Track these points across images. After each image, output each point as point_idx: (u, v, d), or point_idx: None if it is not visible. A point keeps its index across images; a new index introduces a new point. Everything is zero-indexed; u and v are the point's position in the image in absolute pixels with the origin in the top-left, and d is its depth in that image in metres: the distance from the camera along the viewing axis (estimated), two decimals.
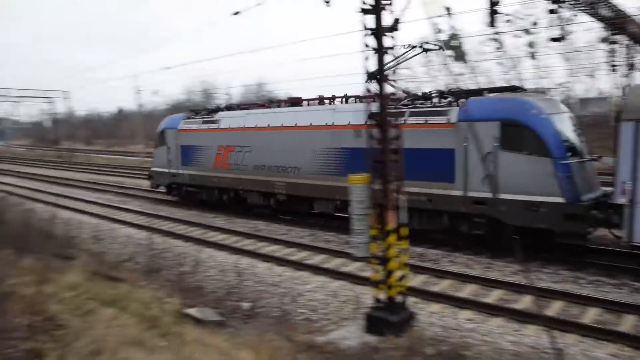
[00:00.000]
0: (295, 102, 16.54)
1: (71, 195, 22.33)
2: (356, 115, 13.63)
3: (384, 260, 7.75)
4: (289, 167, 15.46)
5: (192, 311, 8.10)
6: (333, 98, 15.24)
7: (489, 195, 11.39)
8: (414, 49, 11.15)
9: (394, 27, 7.62)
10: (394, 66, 7.89)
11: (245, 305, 9.00)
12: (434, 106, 12.37)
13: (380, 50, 7.59)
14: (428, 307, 9.13)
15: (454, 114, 11.84)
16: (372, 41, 7.63)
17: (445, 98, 12.34)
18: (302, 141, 15.03)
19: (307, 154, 14.90)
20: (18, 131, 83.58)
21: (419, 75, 29.75)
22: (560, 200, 10.55)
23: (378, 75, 7.62)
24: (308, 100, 15.95)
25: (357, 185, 7.92)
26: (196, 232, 14.41)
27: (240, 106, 18.47)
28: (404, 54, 11.37)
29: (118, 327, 6.72)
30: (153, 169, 20.51)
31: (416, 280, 10.10)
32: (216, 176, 17.89)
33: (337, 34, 48.30)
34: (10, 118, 72.70)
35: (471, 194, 11.58)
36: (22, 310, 6.73)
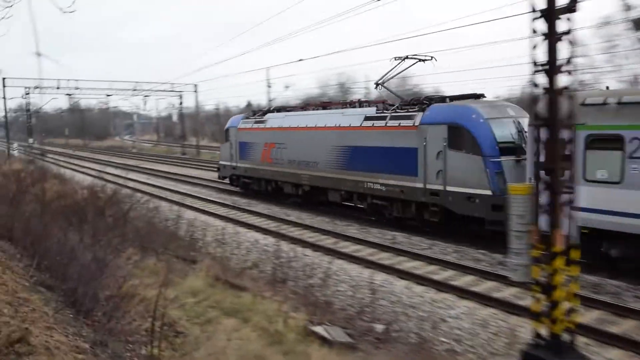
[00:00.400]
0: (325, 105, 20.38)
1: (196, 194, 23.35)
2: (356, 118, 16.96)
3: (548, 288, 7.00)
4: (311, 162, 19.14)
5: (319, 329, 8.03)
6: (352, 103, 19.11)
7: (441, 187, 14.31)
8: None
9: (570, 7, 6.66)
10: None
11: (379, 327, 8.89)
12: (407, 111, 15.54)
13: (552, 36, 6.63)
14: (605, 351, 8.23)
15: (418, 118, 14.91)
16: (542, 25, 6.68)
17: (421, 104, 15.49)
18: (320, 140, 18.50)
19: (323, 151, 18.37)
20: (147, 126, 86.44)
21: (599, 64, 26.01)
22: (488, 192, 13.30)
23: (549, 66, 6.64)
24: (338, 103, 20.01)
25: (517, 196, 7.20)
26: (327, 242, 14.48)
27: (286, 108, 22.61)
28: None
29: (239, 339, 6.74)
30: (220, 162, 25.10)
31: (589, 316, 9.15)
32: (262, 169, 22.10)
33: (495, 19, 45.63)
34: (139, 112, 76.60)
35: (429, 186, 14.59)
36: (143, 313, 6.94)
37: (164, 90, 50.18)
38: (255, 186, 22.81)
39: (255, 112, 23.74)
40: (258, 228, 16.25)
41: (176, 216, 15.11)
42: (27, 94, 47.50)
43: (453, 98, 15.45)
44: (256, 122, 22.72)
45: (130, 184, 20.94)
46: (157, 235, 11.93)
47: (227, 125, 24.95)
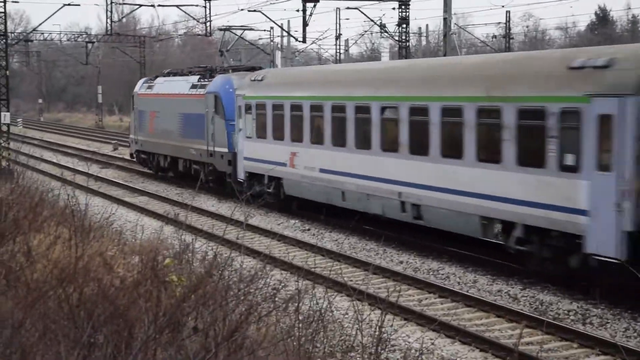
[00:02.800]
0: (190, 70, 34.12)
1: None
2: (185, 85, 32.41)
3: None
4: (169, 131, 33.78)
5: None
6: (205, 68, 34.63)
7: (212, 149, 29.80)
8: None
9: None
10: None
11: None
12: (202, 80, 31.83)
13: None
14: None
15: (205, 88, 30.93)
16: None
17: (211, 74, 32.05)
18: (171, 107, 32.79)
19: (174, 119, 32.71)
20: None
21: None
22: (226, 150, 29.85)
23: None
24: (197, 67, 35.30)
25: None
26: None
27: (174, 72, 35.70)
28: None
29: None
30: (130, 135, 36.66)
31: None
32: (149, 141, 34.79)
33: None
34: None
35: (209, 148, 30.11)
36: None
37: None
38: (150, 162, 36.39)
39: (157, 76, 34.95)
40: None
41: None
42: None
43: (234, 69, 32.03)
44: (148, 87, 35.81)
45: None
46: None
47: (133, 90, 36.59)
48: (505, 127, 17.65)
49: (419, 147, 20.39)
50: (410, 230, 22.33)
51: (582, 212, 15.91)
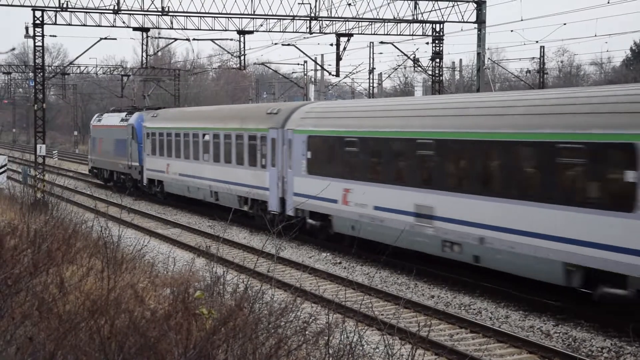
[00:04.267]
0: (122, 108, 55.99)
1: None
2: (117, 119, 51.71)
3: None
4: (108, 152, 51.81)
5: None
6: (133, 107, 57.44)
7: (131, 163, 46.94)
8: None
9: None
10: None
11: None
12: (126, 115, 50.66)
13: None
14: None
15: (127, 121, 49.08)
16: None
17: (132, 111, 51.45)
18: (109, 135, 51.69)
19: (110, 143, 51.24)
20: None
21: None
22: (137, 164, 46.11)
23: None
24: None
25: None
26: None
27: (115, 110, 57.11)
28: None
29: None
30: (88, 156, 54.87)
31: None
32: (98, 159, 54.52)
33: None
34: None
35: (129, 163, 47.36)
36: None
37: None
38: (100, 175, 55.19)
39: (104, 112, 56.16)
40: None
41: None
42: (38, 24, 39.12)
43: (147, 108, 52.35)
44: (98, 120, 56.69)
45: None
46: None
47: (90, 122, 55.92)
48: (244, 144, 32.86)
49: (225, 156, 35.04)
50: (442, 265, 22.20)
51: (266, 189, 30.90)
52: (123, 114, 51.03)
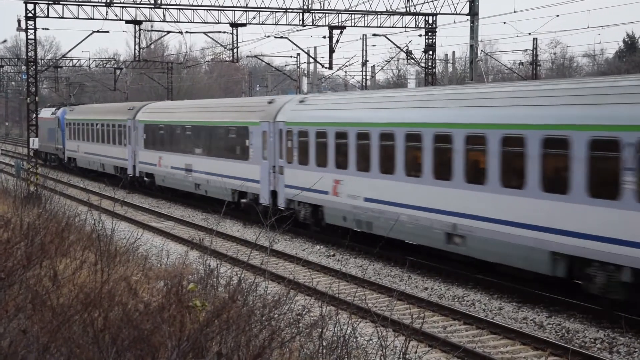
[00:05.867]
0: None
1: None
2: (49, 112, 68.17)
3: None
4: (45, 138, 63.04)
5: None
6: None
7: (57, 146, 63.55)
8: None
9: None
10: None
11: None
12: (55, 110, 67.45)
13: None
14: None
15: (56, 114, 65.18)
16: None
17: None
18: (45, 125, 62.66)
19: (46, 132, 63.40)
20: None
21: None
22: (61, 146, 62.43)
23: None
24: None
25: None
26: None
27: (51, 105, 75.64)
28: None
29: None
30: None
31: None
32: (41, 145, 50.07)
33: None
34: None
35: (57, 145, 64.63)
36: None
37: None
38: (42, 157, 62.41)
39: (44, 107, 71.02)
40: None
41: None
42: (30, 17, 39.35)
43: (71, 104, 68.39)
44: (42, 113, 62.94)
45: None
46: None
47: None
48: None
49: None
50: (435, 257, 22.23)
51: (257, 181, 31.62)
52: (53, 109, 67.17)
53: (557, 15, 48.57)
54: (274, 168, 29.94)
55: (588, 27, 60.89)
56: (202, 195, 36.54)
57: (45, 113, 67.03)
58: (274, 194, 29.94)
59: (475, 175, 19.85)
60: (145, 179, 43.32)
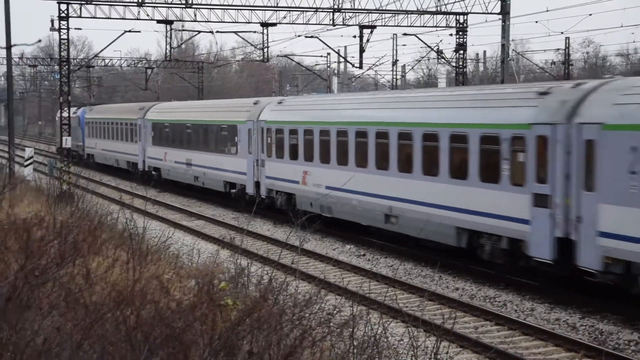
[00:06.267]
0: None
1: None
2: (72, 111, 51.66)
3: None
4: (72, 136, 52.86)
5: None
6: None
7: (78, 143, 65.45)
8: None
9: None
10: None
11: None
12: (76, 109, 67.95)
13: None
14: None
15: (76, 113, 66.47)
16: None
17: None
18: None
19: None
20: None
21: None
22: (81, 143, 67.81)
23: None
24: None
25: None
26: None
27: (73, 106, 58.98)
28: None
29: None
30: None
31: None
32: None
33: None
34: None
35: (77, 143, 64.44)
36: None
37: None
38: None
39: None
40: None
41: None
42: (63, 17, 39.75)
43: (90, 104, 74.39)
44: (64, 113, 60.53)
45: None
46: None
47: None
48: (226, 132, 36.77)
49: (195, 142, 41.08)
50: (466, 257, 22.15)
51: (244, 174, 34.58)
52: (74, 109, 67.66)
53: (590, 14, 48.15)
54: (257, 161, 33.50)
55: (622, 26, 60.31)
56: (201, 186, 40.58)
57: (71, 113, 79.09)
58: (257, 185, 33.50)
59: (405, 165, 23.80)
60: (153, 172, 46.95)
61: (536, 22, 53.75)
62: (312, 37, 50.25)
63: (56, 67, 65.30)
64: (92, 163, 61.03)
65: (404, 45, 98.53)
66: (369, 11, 43.19)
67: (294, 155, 30.57)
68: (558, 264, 18.00)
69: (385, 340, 11.70)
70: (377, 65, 71.14)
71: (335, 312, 12.48)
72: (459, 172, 21.41)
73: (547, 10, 57.96)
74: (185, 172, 42.03)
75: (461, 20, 44.23)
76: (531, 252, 18.64)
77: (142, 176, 47.42)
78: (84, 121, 65.65)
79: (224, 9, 41.37)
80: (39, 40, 11.78)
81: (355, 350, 10.37)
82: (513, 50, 60.92)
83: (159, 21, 42.54)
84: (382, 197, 24.73)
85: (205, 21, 42.65)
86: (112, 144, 56.25)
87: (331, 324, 11.23)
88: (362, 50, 45.33)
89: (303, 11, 42.01)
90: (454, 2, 43.16)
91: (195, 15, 41.93)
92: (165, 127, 45.47)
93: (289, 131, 30.90)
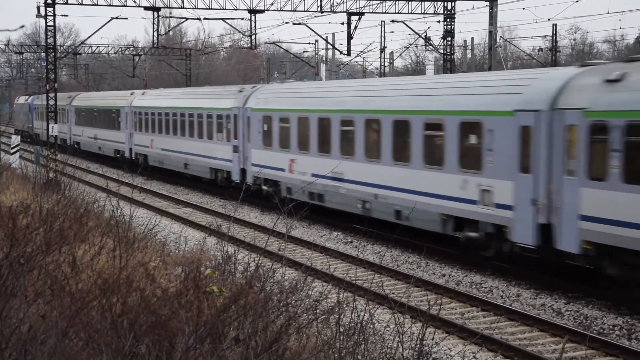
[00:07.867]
0: None
1: None
2: (24, 99, 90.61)
3: None
4: (21, 119, 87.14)
5: None
6: None
7: (28, 125, 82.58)
8: None
9: None
10: None
11: None
12: (27, 97, 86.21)
13: None
14: None
15: (27, 100, 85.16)
16: None
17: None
18: (21, 108, 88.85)
19: (20, 113, 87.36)
20: None
21: None
22: (31, 125, 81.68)
23: None
24: None
25: None
26: None
27: (29, 94, 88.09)
28: None
29: None
30: None
31: None
32: (18, 124, 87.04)
33: None
34: None
35: (28, 125, 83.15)
36: None
37: None
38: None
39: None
40: None
41: None
42: (50, 3, 39.60)
43: (37, 93, 79.93)
44: (16, 100, 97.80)
45: None
46: None
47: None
48: (211, 119, 37.06)
49: (181, 129, 41.60)
50: (453, 244, 22.21)
51: (230, 160, 35.21)
52: (26, 97, 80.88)
53: (577, 1, 48.18)
54: (243, 148, 33.82)
55: (608, 13, 60.44)
56: (188, 173, 41.11)
57: (21, 100, 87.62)
58: (243, 172, 33.83)
59: (374, 152, 24.45)
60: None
61: (523, 8, 53.85)
62: (299, 24, 50.19)
63: (43, 54, 65.03)
64: (78, 149, 61.10)
65: (392, 32, 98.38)
66: None
67: (281, 143, 30.64)
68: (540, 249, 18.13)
69: (372, 326, 11.75)
70: (365, 53, 71.09)
71: (321, 298, 12.51)
72: (432, 159, 22.00)
73: None
74: (171, 158, 42.47)
75: (449, 7, 44.23)
76: (515, 237, 18.61)
77: (130, 164, 47.24)
78: (32, 107, 76.65)
79: None
80: (22, 26, 11.74)
81: (341, 337, 10.40)
82: (500, 37, 60.97)
83: (146, 8, 42.37)
84: (355, 182, 25.38)
85: (193, 8, 42.51)
86: (98, 132, 56.57)
87: (317, 310, 11.27)
88: (350, 37, 45.31)
89: None
90: None
91: (182, 2, 41.81)
92: (152, 114, 45.93)
93: (278, 119, 31.01)
